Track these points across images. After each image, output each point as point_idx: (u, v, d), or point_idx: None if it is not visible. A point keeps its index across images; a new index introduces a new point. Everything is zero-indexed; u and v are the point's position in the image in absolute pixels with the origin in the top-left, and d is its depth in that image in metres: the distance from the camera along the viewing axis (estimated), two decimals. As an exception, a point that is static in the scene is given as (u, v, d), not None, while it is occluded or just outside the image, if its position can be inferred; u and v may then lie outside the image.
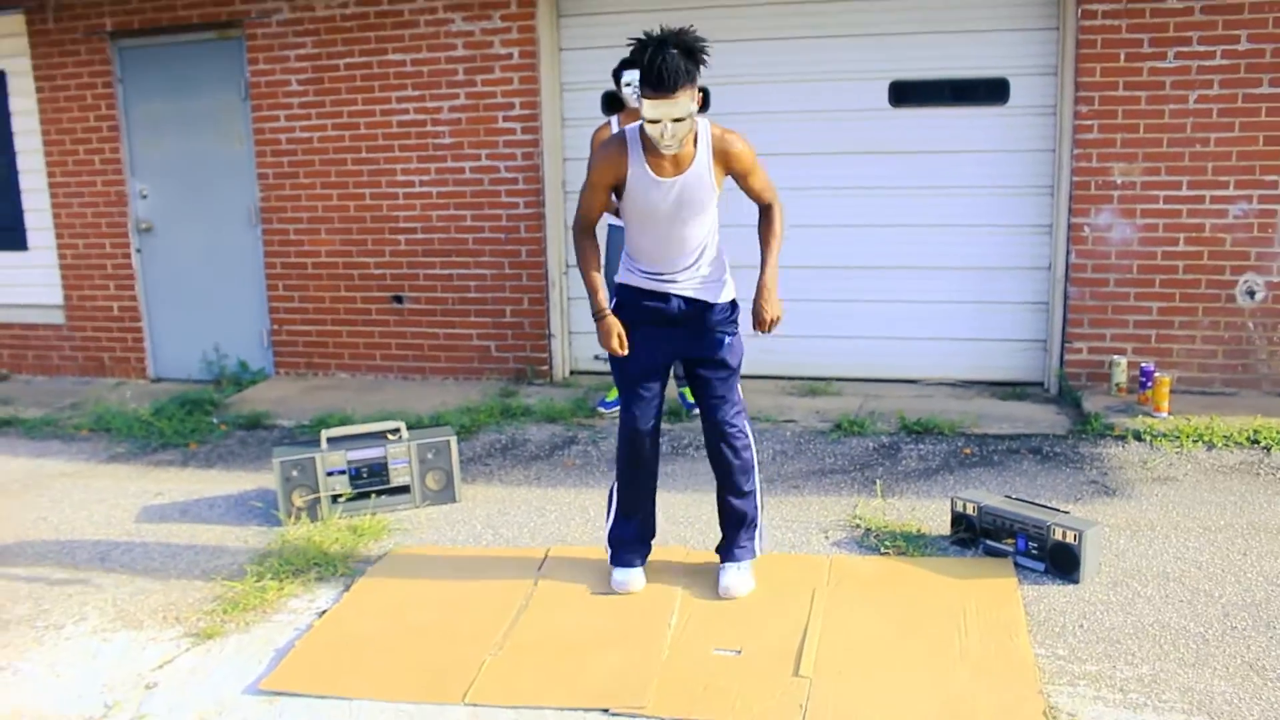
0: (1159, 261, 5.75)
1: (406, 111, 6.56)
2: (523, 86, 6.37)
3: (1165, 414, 5.34)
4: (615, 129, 5.41)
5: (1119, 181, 5.71)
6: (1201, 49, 5.53)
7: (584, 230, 3.62)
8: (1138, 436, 5.18)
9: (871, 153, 6.18)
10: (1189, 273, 5.73)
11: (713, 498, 3.95)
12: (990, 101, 5.99)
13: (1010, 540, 3.95)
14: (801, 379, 6.42)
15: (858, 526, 4.34)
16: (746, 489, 3.77)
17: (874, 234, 6.26)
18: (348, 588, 3.96)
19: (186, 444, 5.89)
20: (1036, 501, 4.13)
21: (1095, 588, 3.72)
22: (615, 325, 3.57)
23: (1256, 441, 5.02)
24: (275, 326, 7.08)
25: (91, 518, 4.86)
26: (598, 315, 3.58)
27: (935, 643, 3.35)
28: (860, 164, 6.22)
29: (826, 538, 4.26)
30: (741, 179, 3.57)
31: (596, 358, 6.71)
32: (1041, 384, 6.16)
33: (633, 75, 5.30)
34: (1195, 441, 5.07)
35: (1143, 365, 5.61)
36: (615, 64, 5.43)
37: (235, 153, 6.98)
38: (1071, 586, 3.73)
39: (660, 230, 3.53)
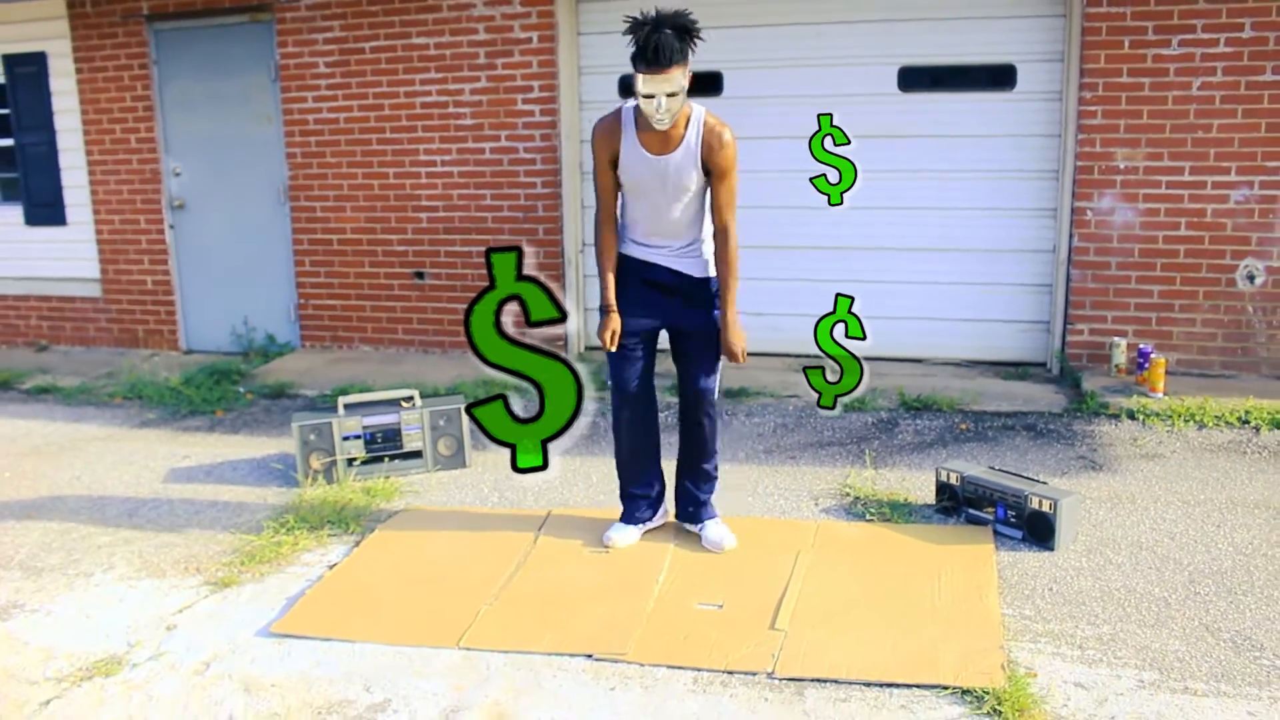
0: (1160, 246, 5.85)
1: (429, 94, 6.77)
2: (541, 70, 6.56)
3: (1160, 394, 5.45)
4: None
5: (1122, 166, 5.81)
6: (1205, 36, 5.61)
7: (602, 218, 3.82)
8: (1131, 415, 5.30)
9: (880, 136, 6.29)
10: (1190, 257, 5.82)
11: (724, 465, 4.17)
12: (998, 87, 6.10)
13: (991, 509, 4.10)
14: (808, 356, 6.55)
15: (847, 495, 4.51)
16: (716, 449, 4.05)
17: (882, 216, 6.38)
18: (358, 543, 4.19)
19: (214, 411, 6.15)
20: (1017, 472, 4.29)
21: (1069, 555, 3.87)
22: (615, 323, 3.80)
23: (1247, 422, 5.13)
24: (302, 301, 7.33)
25: (122, 478, 5.13)
26: (603, 308, 3.83)
27: (908, 601, 3.52)
28: (869, 148, 6.23)
29: (816, 505, 4.44)
30: (714, 179, 3.70)
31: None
32: (1044, 364, 6.28)
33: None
34: (1187, 421, 5.18)
35: (1140, 347, 5.71)
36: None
37: (265, 132, 7.23)
38: (1047, 553, 3.89)
39: (650, 204, 3.72)
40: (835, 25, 6.24)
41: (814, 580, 3.70)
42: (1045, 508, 3.91)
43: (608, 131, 3.70)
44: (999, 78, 6.10)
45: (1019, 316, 6.32)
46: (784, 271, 6.55)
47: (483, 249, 6.83)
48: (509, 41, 6.58)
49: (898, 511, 4.27)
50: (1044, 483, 4.12)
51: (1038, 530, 3.94)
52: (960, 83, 6.17)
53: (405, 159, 6.91)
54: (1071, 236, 5.95)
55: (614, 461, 4.19)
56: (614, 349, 3.82)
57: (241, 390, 6.44)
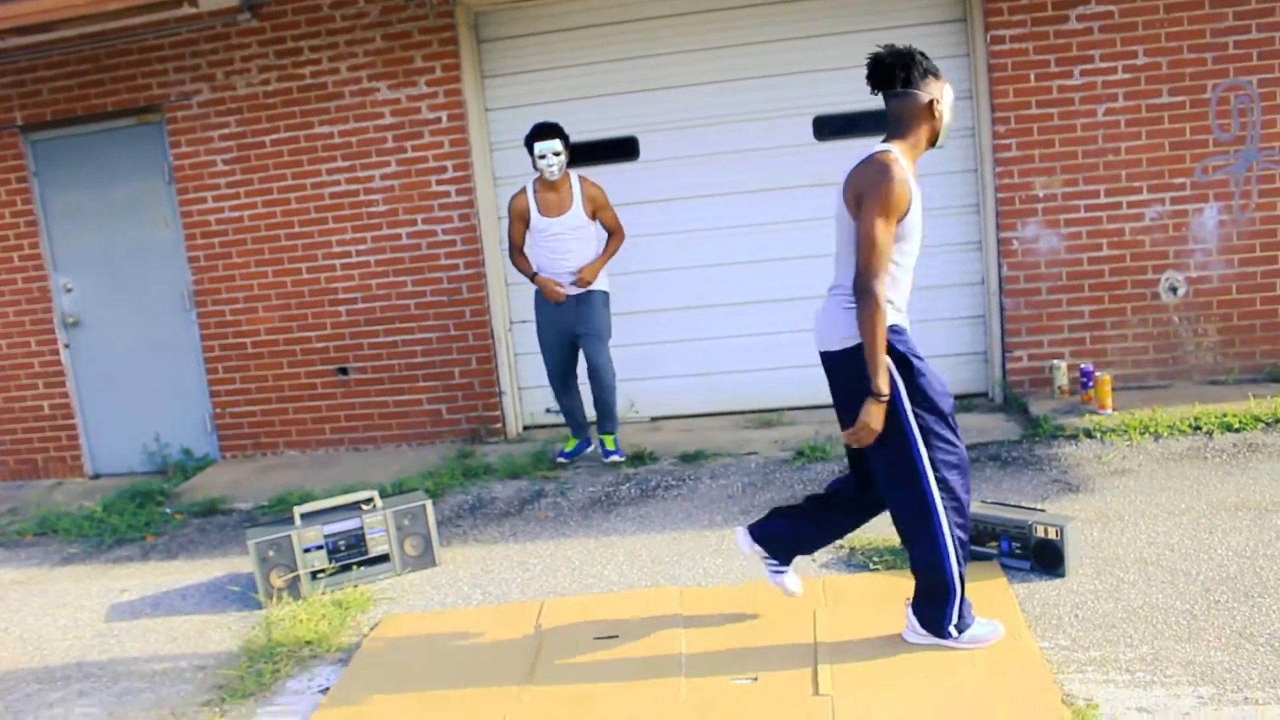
0: (1086, 267, 6.02)
1: (338, 183, 6.55)
2: (453, 149, 6.42)
3: (1110, 410, 5.56)
4: (531, 194, 5.61)
5: (1041, 195, 5.98)
6: (1104, 65, 5.85)
7: (882, 278, 3.21)
8: (1088, 434, 5.38)
9: (801, 186, 6.35)
10: (1114, 275, 6.00)
11: (691, 534, 4.41)
12: (910, 128, 6.22)
13: (993, 543, 4.06)
14: (754, 412, 6.53)
15: (841, 547, 4.41)
16: None
17: (811, 265, 6.37)
18: (345, 662, 3.89)
19: (143, 537, 5.71)
20: (1012, 503, 4.27)
21: (1081, 579, 3.85)
22: None
23: (1199, 428, 5.26)
24: (218, 410, 6.94)
25: (57, 623, 4.68)
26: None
27: (942, 649, 3.42)
28: (790, 198, 6.39)
29: (814, 560, 4.33)
30: None
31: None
32: (986, 394, 6.36)
33: (546, 145, 5.42)
34: (1142, 434, 5.29)
35: (1082, 367, 5.84)
36: (527, 133, 5.54)
37: (163, 237, 6.87)
38: (1058, 580, 3.86)
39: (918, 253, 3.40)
40: (747, 81, 6.29)
41: (840, 640, 3.58)
42: (1051, 535, 3.89)
43: (905, 181, 3.21)
44: (911, 119, 6.21)
45: (957, 350, 6.40)
46: (718, 329, 6.52)
47: (409, 337, 6.64)
48: (417, 123, 6.43)
49: (899, 556, 4.18)
50: (1042, 510, 4.11)
51: (1046, 559, 3.92)
52: (874, 127, 6.25)
53: (318, 252, 6.65)
54: (1000, 266, 6.08)
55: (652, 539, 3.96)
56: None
57: (169, 511, 6.02)
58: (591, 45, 6.40)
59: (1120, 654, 3.29)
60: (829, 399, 6.32)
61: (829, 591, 3.98)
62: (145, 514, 5.98)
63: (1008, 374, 6.17)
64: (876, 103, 6.09)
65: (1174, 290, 5.97)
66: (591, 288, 5.68)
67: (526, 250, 5.75)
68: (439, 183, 6.47)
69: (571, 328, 5.71)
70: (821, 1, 6.21)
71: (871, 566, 4.17)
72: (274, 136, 6.57)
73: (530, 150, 5.47)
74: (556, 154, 5.42)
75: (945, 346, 6.40)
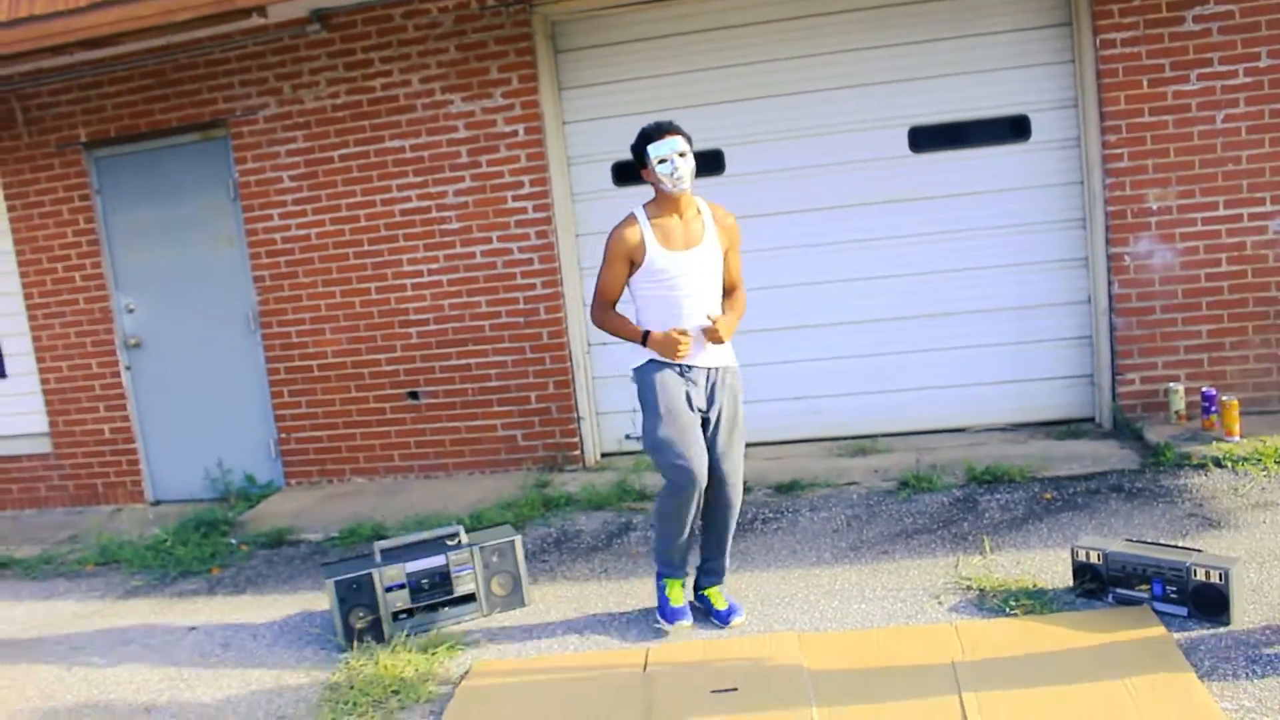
0: (1203, 284, 5.64)
1: (409, 199, 6.30)
2: (530, 164, 6.15)
3: (1238, 437, 5.18)
4: (644, 223, 3.86)
5: (1155, 207, 5.61)
6: (1223, 69, 5.48)
7: None
8: (1218, 463, 4.99)
9: (896, 201, 6.02)
10: (1235, 292, 5.62)
11: (799, 572, 4.11)
12: (1012, 139, 5.88)
13: (1144, 586, 3.70)
14: (847, 438, 6.17)
15: (969, 588, 4.06)
16: None
17: (905, 283, 6.07)
18: (437, 715, 3.59)
19: (208, 569, 5.45)
20: (1163, 542, 3.91)
21: (1249, 628, 3.48)
22: None
23: (1342, 457, 4.86)
24: (283, 435, 6.70)
25: (122, 662, 4.42)
26: None
27: (1108, 707, 3.07)
28: (885, 213, 6.06)
29: (940, 603, 3.98)
30: None
31: (627, 437, 6.41)
32: (1093, 419, 5.98)
33: (669, 145, 3.74)
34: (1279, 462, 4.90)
35: (1204, 390, 5.45)
36: (635, 138, 3.88)
37: (227, 256, 6.65)
38: (1223, 629, 3.49)
39: None
40: (840, 91, 5.97)
41: (988, 694, 3.23)
42: (1214, 579, 3.52)
43: None
44: (1013, 129, 5.88)
45: (1060, 373, 6.02)
46: (812, 351, 6.19)
47: (483, 360, 6.36)
48: (493, 136, 6.17)
49: (1036, 600, 3.84)
50: (1199, 550, 3.74)
51: (1206, 605, 3.55)
52: (973, 138, 5.94)
53: (388, 271, 6.40)
54: (1111, 284, 5.71)
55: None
56: None
57: (234, 541, 5.76)
58: (673, 55, 6.12)
59: (1318, 718, 2.92)
60: (925, 423, 6.06)
61: (965, 639, 3.63)
62: (210, 545, 5.73)
63: (1118, 398, 5.79)
64: (978, 112, 5.88)
65: (1301, 309, 5.57)
66: (728, 364, 3.98)
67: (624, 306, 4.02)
68: (515, 199, 6.20)
69: (702, 414, 3.94)
70: (915, 8, 5.88)
71: (1009, 611, 3.81)
72: (342, 151, 6.34)
73: (642, 159, 3.81)
74: (682, 154, 3.74)
75: (1047, 369, 6.02)
